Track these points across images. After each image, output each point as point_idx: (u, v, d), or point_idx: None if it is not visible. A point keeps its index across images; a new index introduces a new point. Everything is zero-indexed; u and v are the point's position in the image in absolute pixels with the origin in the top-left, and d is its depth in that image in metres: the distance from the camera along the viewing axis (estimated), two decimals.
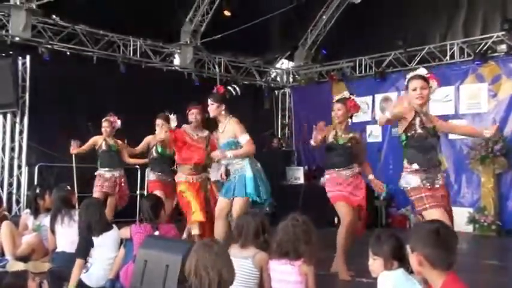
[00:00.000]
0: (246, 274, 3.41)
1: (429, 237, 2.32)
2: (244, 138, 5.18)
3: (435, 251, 2.28)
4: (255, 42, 12.53)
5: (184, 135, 5.94)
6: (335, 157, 5.59)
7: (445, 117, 9.49)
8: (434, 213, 3.99)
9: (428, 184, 4.09)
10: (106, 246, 4.38)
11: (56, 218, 4.96)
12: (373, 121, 11.72)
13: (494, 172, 9.54)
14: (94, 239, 4.37)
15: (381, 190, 6.08)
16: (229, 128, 5.24)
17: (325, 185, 5.71)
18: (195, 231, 5.62)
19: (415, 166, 4.13)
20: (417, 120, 4.18)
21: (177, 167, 6.18)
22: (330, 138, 5.60)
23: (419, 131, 4.17)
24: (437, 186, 4.12)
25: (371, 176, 5.74)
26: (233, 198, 5.18)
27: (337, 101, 5.69)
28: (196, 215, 5.60)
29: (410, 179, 4.16)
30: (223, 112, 5.28)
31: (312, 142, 5.51)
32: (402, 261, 2.78)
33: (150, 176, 7.05)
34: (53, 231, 4.99)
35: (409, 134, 4.19)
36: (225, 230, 5.18)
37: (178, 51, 11.90)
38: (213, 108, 5.28)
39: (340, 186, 5.50)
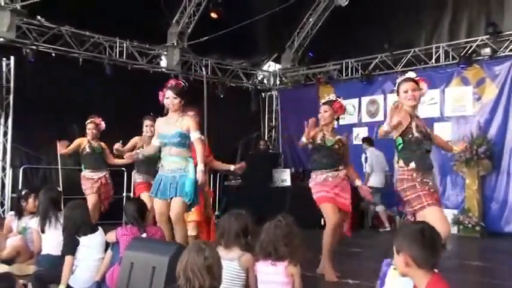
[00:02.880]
0: (233, 276, 3.41)
1: (415, 238, 2.34)
2: (196, 135, 4.91)
3: (421, 251, 2.31)
4: (242, 45, 12.54)
5: None
6: (323, 158, 5.59)
7: (430, 120, 9.60)
8: (433, 211, 4.01)
9: (425, 186, 4.11)
10: (91, 248, 4.35)
11: (45, 220, 4.92)
12: (359, 124, 11.80)
13: (478, 174, 9.63)
14: (79, 240, 4.35)
15: (369, 197, 6.14)
16: (184, 122, 4.97)
17: (312, 186, 5.70)
18: (192, 232, 5.52)
19: (412, 165, 4.13)
20: (413, 124, 4.22)
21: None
22: (318, 140, 5.60)
23: (416, 134, 4.20)
24: (432, 190, 4.13)
25: (358, 182, 5.77)
26: (171, 199, 4.91)
27: (324, 103, 5.72)
28: (191, 214, 5.46)
29: (407, 178, 4.13)
30: (181, 107, 5.06)
31: (304, 139, 5.41)
32: None
33: (137, 178, 7.00)
34: (43, 231, 4.95)
35: (406, 139, 4.20)
36: (168, 233, 4.92)
37: (165, 53, 11.87)
38: (176, 101, 4.98)
39: (327, 188, 5.51)
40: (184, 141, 4.95)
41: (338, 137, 5.72)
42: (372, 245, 8.29)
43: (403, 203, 4.20)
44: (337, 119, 5.77)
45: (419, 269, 2.32)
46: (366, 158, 10.17)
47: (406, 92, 4.26)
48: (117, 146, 6.65)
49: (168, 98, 5.01)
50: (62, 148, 7.27)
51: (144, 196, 6.50)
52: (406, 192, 4.13)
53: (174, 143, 4.94)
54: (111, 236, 4.38)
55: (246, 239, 3.53)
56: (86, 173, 7.35)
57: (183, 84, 5.09)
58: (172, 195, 4.86)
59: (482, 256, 7.89)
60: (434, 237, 2.36)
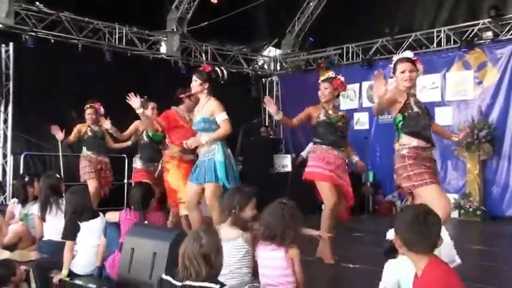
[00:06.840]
0: (242, 252, 3.45)
1: (409, 222, 2.38)
2: (222, 117, 4.97)
3: (413, 235, 2.36)
4: (242, 30, 12.47)
5: (176, 116, 5.94)
6: (329, 135, 5.51)
7: (431, 105, 9.55)
8: (433, 190, 4.00)
9: (426, 163, 4.08)
10: (91, 233, 4.36)
11: (45, 206, 4.94)
12: (360, 109, 11.77)
13: (479, 158, 9.63)
14: (80, 225, 4.36)
15: (362, 170, 6.10)
16: (208, 106, 5.07)
17: (310, 158, 5.62)
18: (183, 211, 5.61)
19: (415, 143, 4.10)
20: (411, 100, 4.20)
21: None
22: (322, 116, 5.54)
23: (415, 109, 4.17)
24: (432, 169, 4.12)
25: (356, 158, 5.73)
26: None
27: (324, 80, 5.65)
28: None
29: (409, 156, 4.08)
30: (205, 91, 5.13)
31: (276, 117, 5.42)
32: None
33: (137, 164, 7.00)
34: (43, 219, 4.98)
35: (406, 114, 4.16)
36: (200, 218, 5.07)
37: (165, 39, 11.80)
38: (195, 84, 5.14)
39: (331, 166, 5.42)
40: (209, 126, 5.02)
41: (341, 113, 5.69)
42: (373, 230, 8.31)
43: (401, 180, 4.09)
44: (337, 96, 5.74)
45: (410, 252, 2.37)
46: None
47: (403, 72, 4.23)
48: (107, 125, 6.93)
49: (192, 81, 5.18)
50: (56, 132, 7.30)
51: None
52: (408, 168, 4.06)
53: (201, 128, 5.06)
54: (114, 216, 4.37)
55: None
56: (86, 154, 7.37)
57: (209, 69, 5.21)
58: (208, 180, 4.93)
59: (484, 240, 7.91)
60: (429, 222, 2.36)
